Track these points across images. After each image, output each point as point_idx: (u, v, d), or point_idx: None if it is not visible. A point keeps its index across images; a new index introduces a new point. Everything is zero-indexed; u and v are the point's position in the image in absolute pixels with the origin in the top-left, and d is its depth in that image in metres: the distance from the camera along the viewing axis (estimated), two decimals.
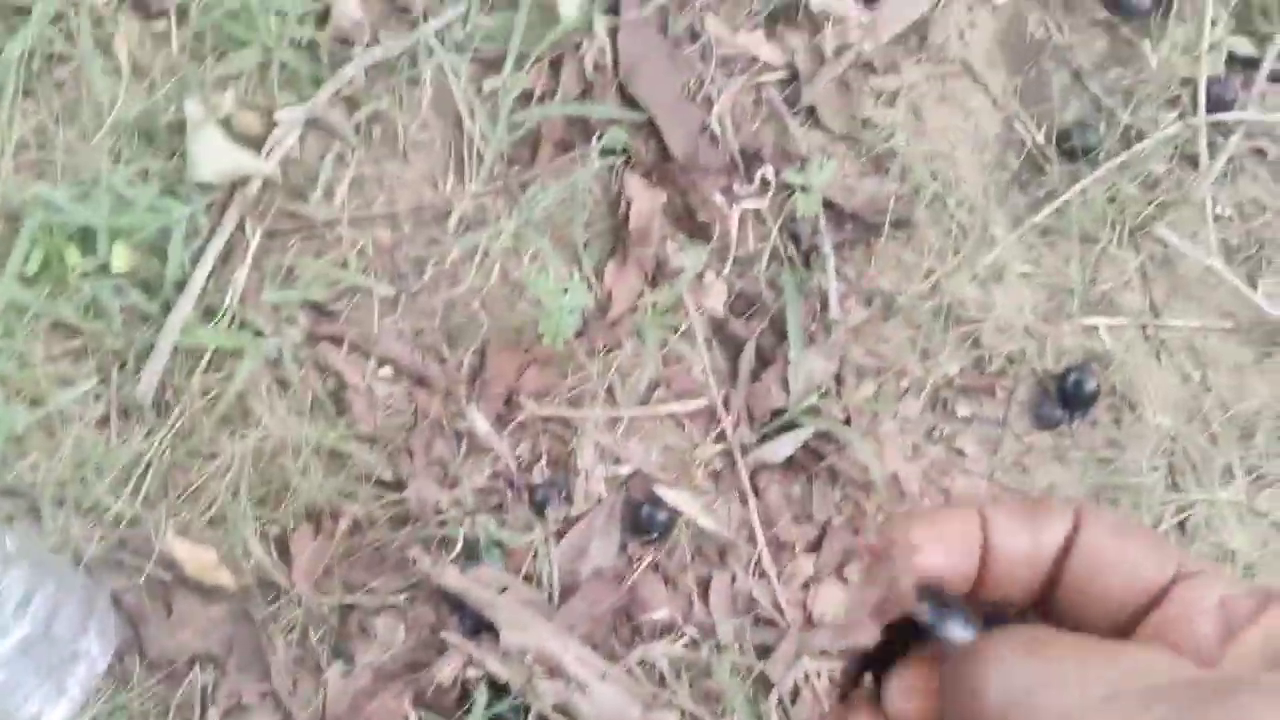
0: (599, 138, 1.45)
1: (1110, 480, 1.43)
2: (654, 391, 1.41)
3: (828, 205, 1.49)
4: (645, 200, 1.44)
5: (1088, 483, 1.43)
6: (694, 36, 1.54)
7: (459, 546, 1.30)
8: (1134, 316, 1.50)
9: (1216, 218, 1.55)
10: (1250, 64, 1.61)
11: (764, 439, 1.39)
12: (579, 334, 1.38)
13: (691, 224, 1.47)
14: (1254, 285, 1.53)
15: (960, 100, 1.58)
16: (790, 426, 1.39)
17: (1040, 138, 1.57)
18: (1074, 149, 1.54)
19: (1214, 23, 1.60)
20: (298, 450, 1.32)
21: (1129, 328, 1.50)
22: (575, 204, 1.42)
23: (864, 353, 1.46)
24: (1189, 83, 1.59)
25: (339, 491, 1.33)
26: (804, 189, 1.46)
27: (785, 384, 1.40)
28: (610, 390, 1.39)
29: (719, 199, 1.45)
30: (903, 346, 1.46)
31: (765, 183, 1.48)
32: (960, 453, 1.44)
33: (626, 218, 1.42)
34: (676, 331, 1.41)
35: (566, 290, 1.33)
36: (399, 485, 1.33)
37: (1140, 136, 1.55)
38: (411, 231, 1.43)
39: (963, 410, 1.45)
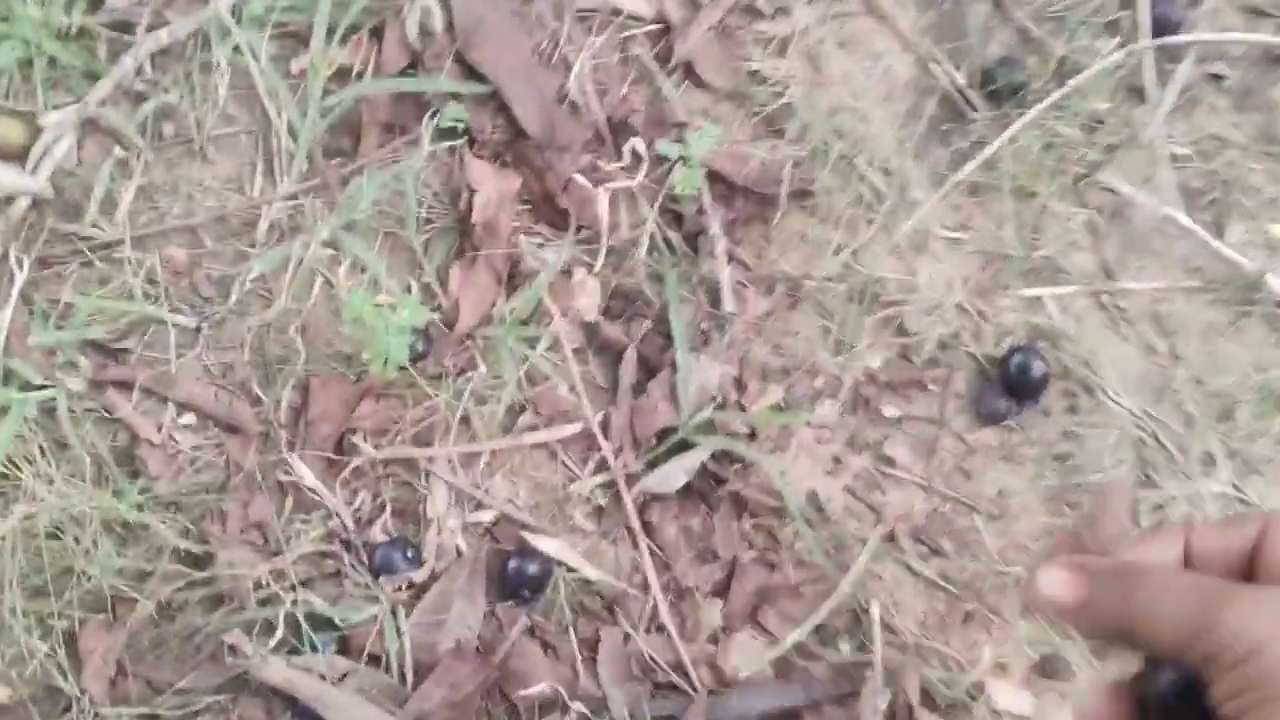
0: (433, 116, 1.21)
1: (1070, 479, 1.21)
2: (518, 418, 1.17)
3: (713, 178, 1.25)
4: (492, 187, 1.19)
5: (1043, 485, 1.20)
6: None
7: (284, 629, 1.06)
8: (1084, 282, 1.28)
9: (1172, 159, 1.33)
10: None
11: (652, 465, 1.16)
12: (421, 356, 1.14)
13: (552, 212, 1.23)
14: (1220, 234, 1.30)
15: (864, 43, 1.35)
16: (683, 447, 1.15)
17: (960, 80, 1.34)
18: (1000, 90, 1.31)
19: None
20: (80, 525, 1.08)
21: (1079, 296, 1.27)
22: (407, 198, 1.17)
23: (768, 350, 1.22)
24: (1128, 4, 1.36)
25: (135, 572, 1.08)
26: (684, 161, 1.23)
27: (675, 396, 1.16)
28: (465, 420, 1.15)
29: (582, 180, 1.21)
30: (814, 339, 1.23)
31: (637, 156, 1.24)
32: (890, 461, 1.21)
33: (470, 210, 1.18)
34: (540, 344, 1.17)
35: (396, 306, 1.08)
36: (208, 559, 1.09)
37: (1076, 70, 1.32)
38: (214, 246, 1.18)
39: (890, 410, 1.22)
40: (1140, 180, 1.30)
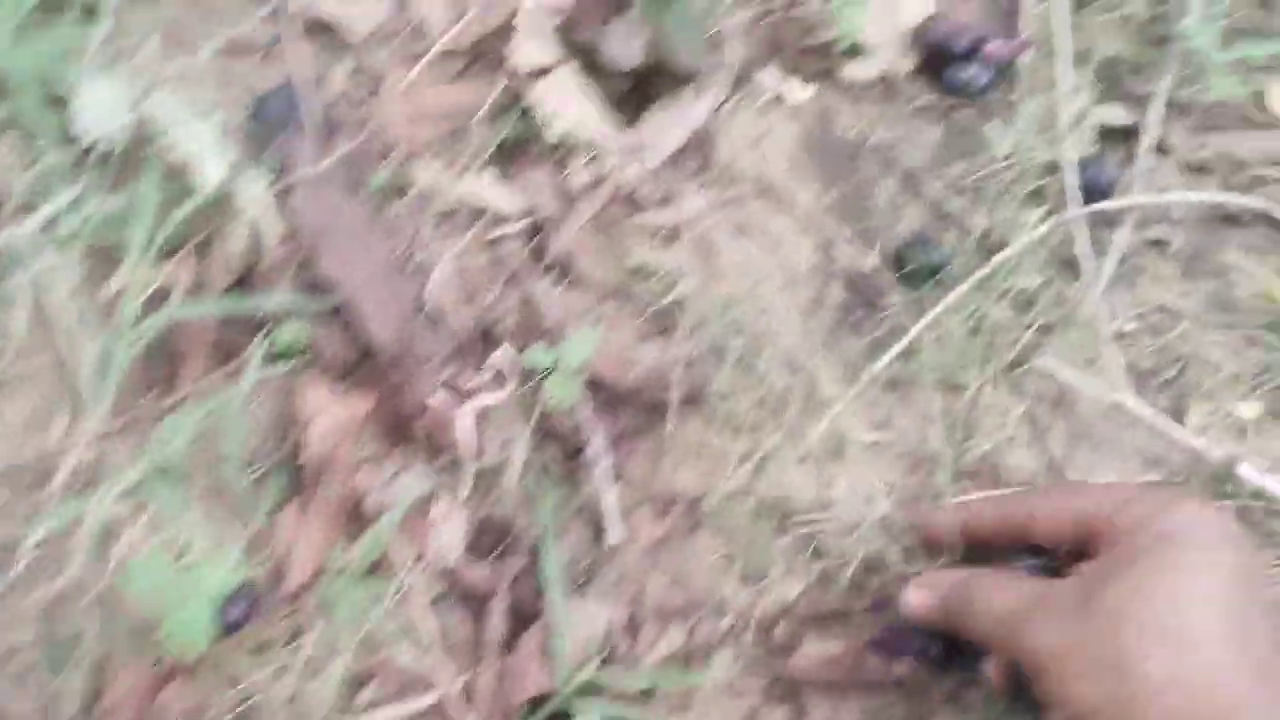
0: (267, 336, 1.05)
1: None
2: (358, 692, 0.97)
3: (595, 387, 1.09)
4: (333, 415, 1.03)
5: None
6: (400, 191, 1.17)
7: None
8: (1027, 481, 1.10)
9: (1117, 336, 1.17)
10: (1127, 134, 1.25)
11: None
12: (240, 623, 0.95)
13: (407, 438, 1.06)
14: (1180, 419, 1.14)
15: (762, 228, 1.21)
16: (558, 718, 0.96)
17: (872, 262, 1.19)
18: (916, 271, 1.17)
19: (1075, 90, 1.25)
20: None
21: None
22: (231, 433, 1.01)
23: (666, 584, 1.04)
24: (1053, 169, 1.23)
25: None
26: (555, 369, 1.07)
27: (549, 653, 0.97)
28: (292, 700, 0.96)
29: (441, 397, 1.05)
30: (717, 569, 1.05)
31: (503, 369, 1.08)
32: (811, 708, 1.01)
33: (305, 443, 1.01)
34: (387, 597, 0.99)
35: (201, 567, 0.91)
36: None
37: (1000, 246, 1.18)
38: (2, 504, 1.01)
39: (812, 648, 1.03)
40: (1082, 363, 1.14)
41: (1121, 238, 1.18)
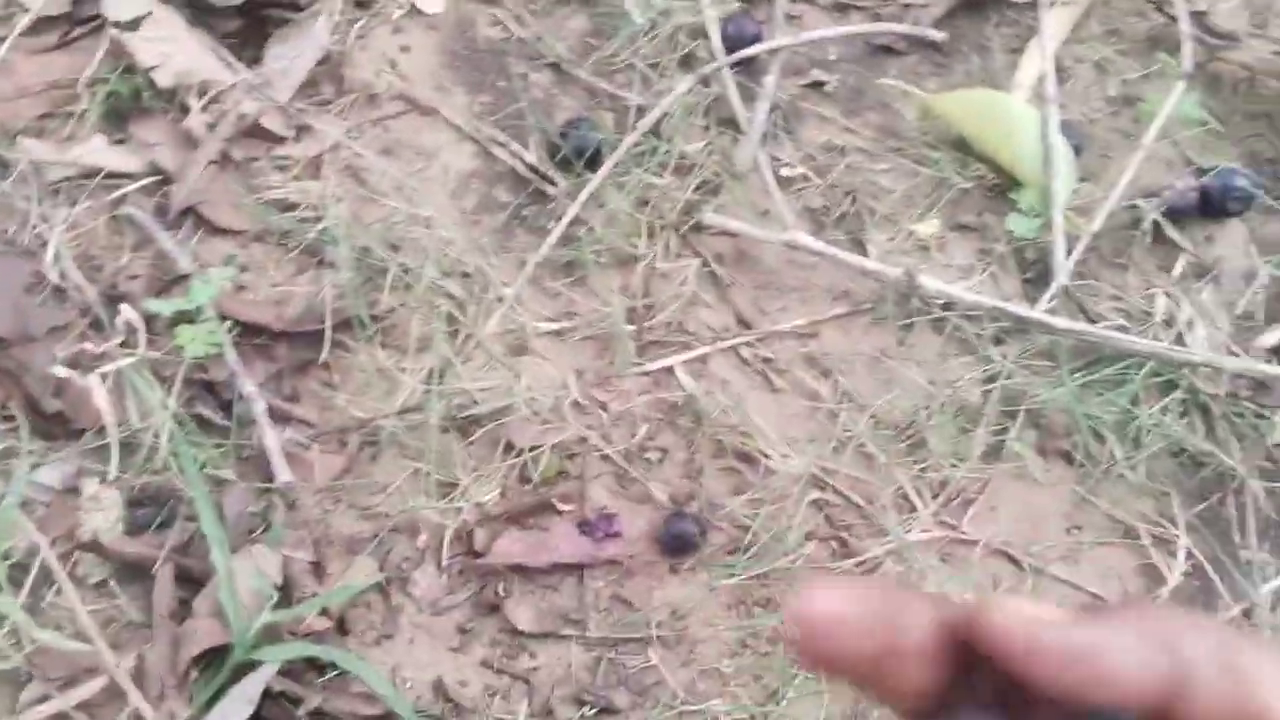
0: None
1: (754, 571, 0.97)
2: (19, 692, 0.88)
3: (248, 330, 1.01)
4: None
5: (720, 589, 0.96)
6: (4, 168, 1.08)
7: None
8: (717, 340, 1.07)
9: (786, 181, 1.15)
10: None
11: (211, 705, 0.87)
12: None
13: (43, 421, 0.97)
14: (862, 250, 1.12)
15: (413, 143, 1.15)
16: (245, 670, 0.87)
17: (531, 156, 1.14)
18: (572, 156, 1.12)
19: None
20: None
21: (715, 356, 1.06)
22: None
23: (354, 518, 0.97)
24: (698, 32, 1.21)
25: None
26: (194, 318, 0.99)
27: (222, 610, 0.89)
28: None
29: (66, 372, 0.96)
30: (407, 490, 0.98)
31: (132, 327, 0.99)
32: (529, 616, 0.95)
33: None
34: (25, 591, 0.89)
35: None
36: None
37: (661, 117, 1.14)
38: None
39: (511, 542, 0.97)
40: (756, 213, 1.11)
41: (771, 83, 1.15)
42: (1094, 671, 0.27)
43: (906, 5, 1.26)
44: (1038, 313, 1.04)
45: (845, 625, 0.28)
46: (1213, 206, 1.11)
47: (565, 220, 1.07)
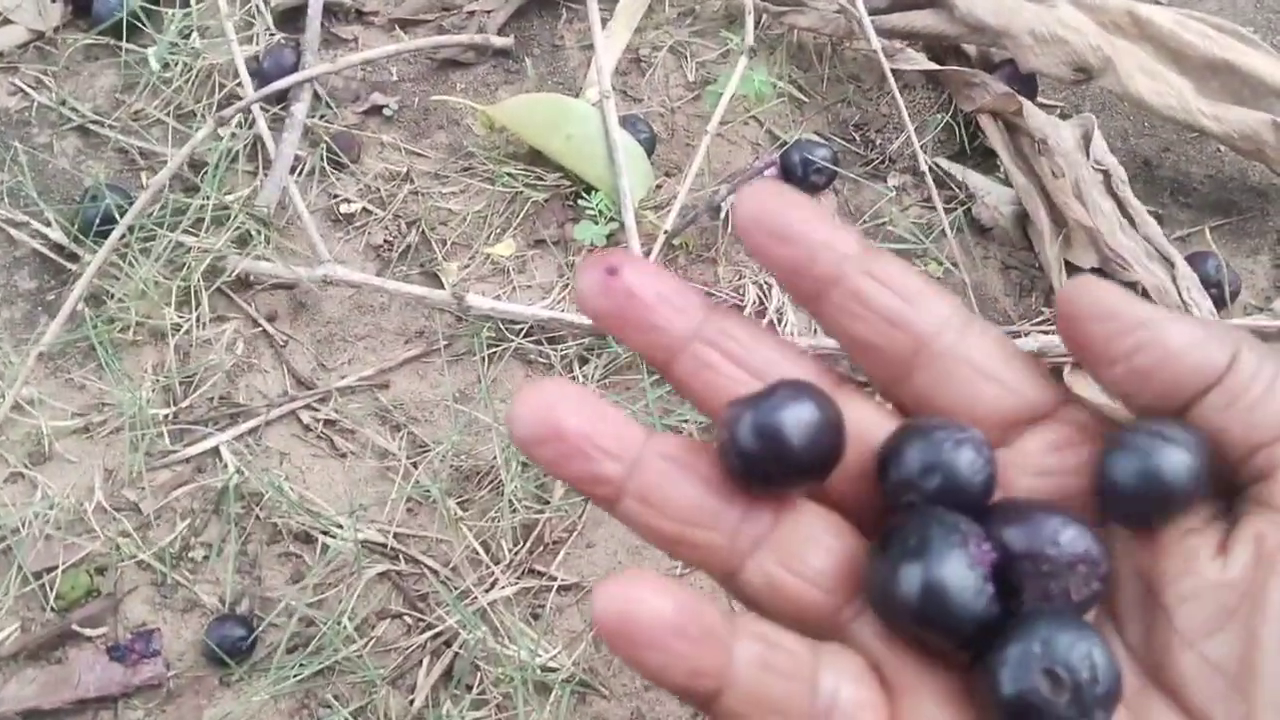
0: None
1: (311, 677, 0.85)
2: None
3: None
4: None
5: (280, 695, 0.85)
6: None
7: None
8: (270, 407, 0.95)
9: (344, 218, 1.05)
10: (300, 13, 1.13)
11: None
12: None
13: None
14: (437, 281, 1.02)
15: None
16: None
17: (56, 233, 1.02)
18: (84, 228, 1.00)
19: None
20: None
21: (268, 427, 0.95)
22: None
23: None
24: (235, 72, 1.09)
25: None
26: None
27: None
28: None
29: None
30: None
31: None
32: None
33: None
34: None
35: None
36: None
37: (200, 167, 1.03)
38: None
39: (19, 688, 0.84)
40: (300, 259, 1.01)
41: (300, 112, 1.05)
42: (1150, 339, 0.29)
43: (470, 13, 1.17)
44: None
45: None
46: (794, 182, 1.05)
47: (70, 302, 0.94)
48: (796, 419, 0.29)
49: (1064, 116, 1.12)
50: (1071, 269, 1.02)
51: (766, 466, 0.29)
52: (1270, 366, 0.29)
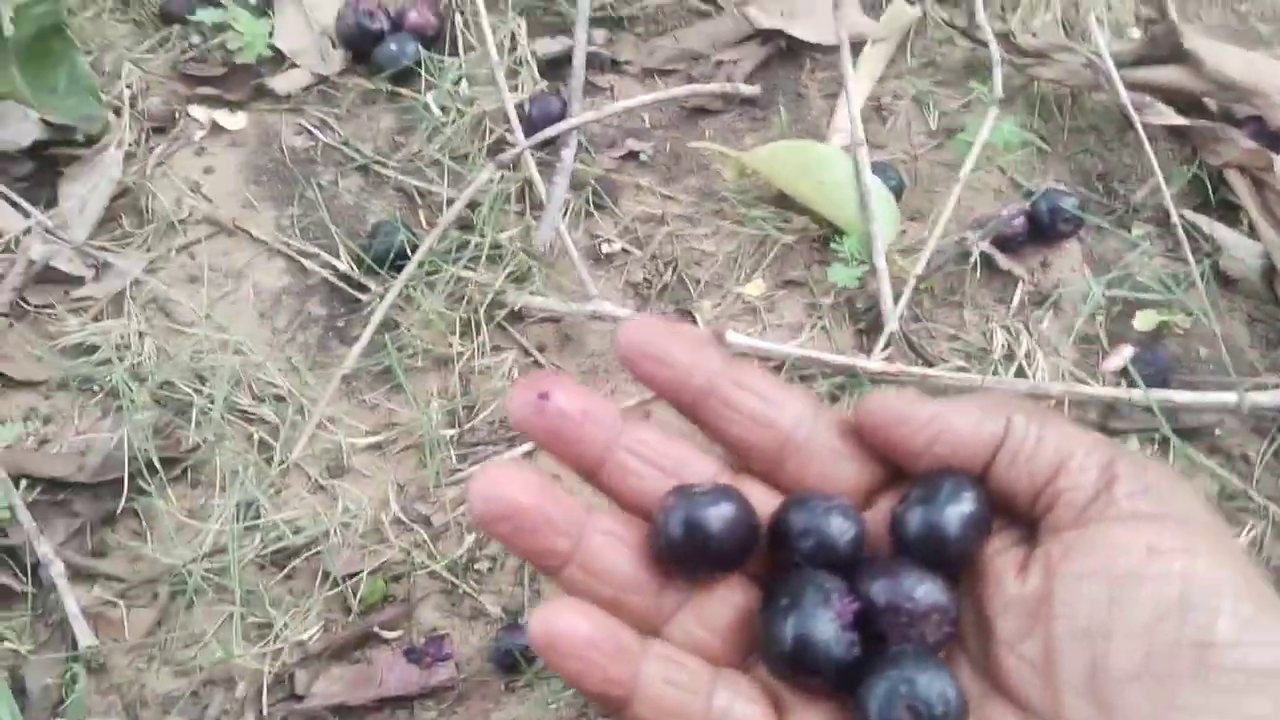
0: None
1: None
2: None
3: (50, 486, 0.97)
4: None
5: None
6: None
7: None
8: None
9: (605, 258, 1.11)
10: (562, 62, 1.21)
11: None
12: None
13: None
14: (691, 318, 1.08)
15: (221, 266, 1.12)
16: None
17: (344, 264, 1.11)
18: (381, 260, 1.09)
19: (508, 35, 1.20)
20: None
21: (541, 451, 1.01)
22: None
23: (167, 673, 0.92)
24: (505, 117, 1.18)
25: None
26: None
27: None
28: None
29: None
30: (223, 636, 0.93)
31: None
32: None
33: None
34: None
35: None
36: None
37: (472, 206, 1.11)
38: None
39: (330, 684, 0.92)
40: (569, 294, 1.08)
41: (568, 157, 1.12)
42: (940, 431, 0.36)
43: (719, 63, 1.23)
44: (869, 361, 1.00)
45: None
46: (1042, 230, 1.08)
47: (369, 330, 1.03)
48: (718, 517, 0.35)
49: None
50: None
51: (691, 561, 0.35)
52: (1035, 422, 0.36)
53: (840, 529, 0.36)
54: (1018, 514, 0.37)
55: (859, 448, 0.38)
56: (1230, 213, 1.12)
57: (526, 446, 1.01)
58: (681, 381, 0.37)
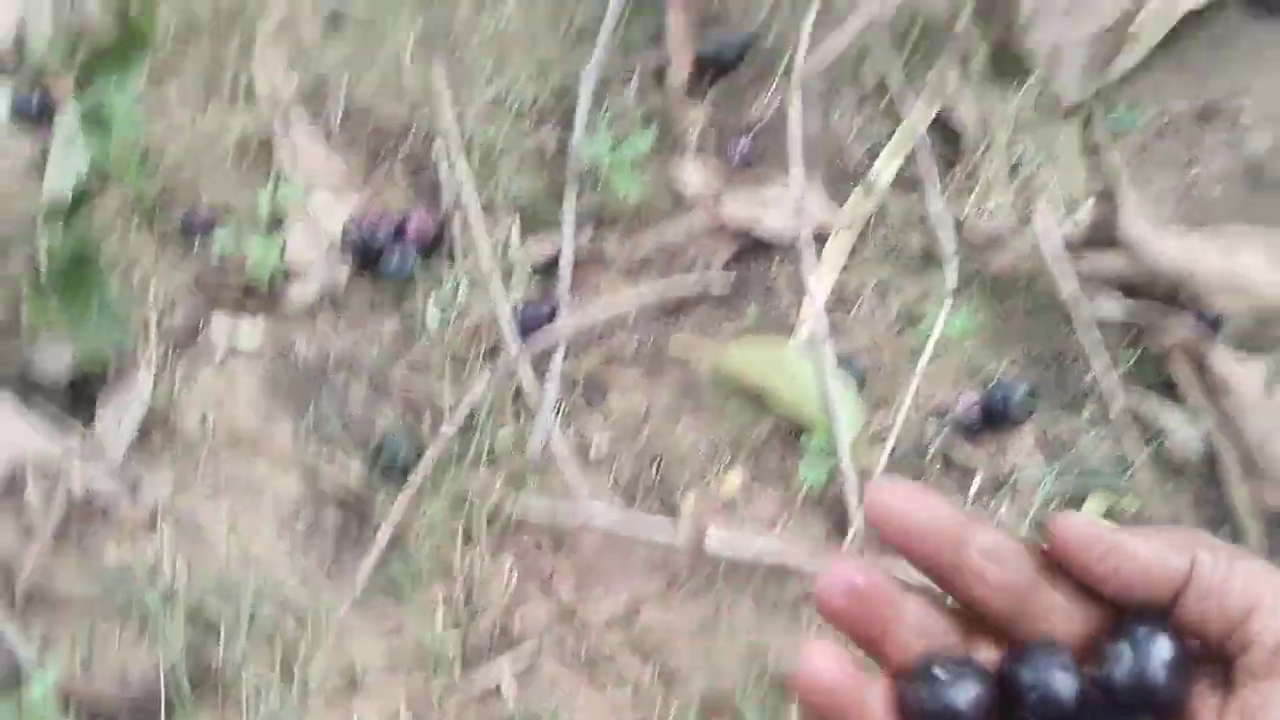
0: None
1: None
2: None
3: (94, 710, 1.07)
4: None
5: None
6: None
7: None
8: (540, 635, 1.11)
9: (595, 459, 1.20)
10: (552, 265, 1.31)
11: None
12: None
13: None
14: (674, 512, 1.17)
15: (243, 478, 1.22)
16: None
17: (356, 473, 1.21)
18: (388, 470, 1.19)
19: (503, 239, 1.30)
20: None
21: (542, 655, 1.11)
22: None
23: None
24: (491, 327, 1.27)
25: None
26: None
27: None
28: None
29: None
30: None
31: None
32: None
33: None
34: None
35: None
36: None
37: (473, 414, 1.21)
38: None
39: None
40: (561, 495, 1.17)
41: (556, 366, 1.22)
42: (1128, 560, 0.38)
43: (694, 256, 1.32)
44: (826, 560, 1.08)
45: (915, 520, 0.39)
46: (996, 419, 1.16)
47: (378, 547, 1.13)
48: (966, 701, 0.38)
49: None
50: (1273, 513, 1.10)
51: None
52: (1223, 557, 0.38)
53: (1064, 684, 0.38)
54: (1209, 651, 0.38)
55: (1076, 593, 0.40)
56: (1177, 390, 1.19)
57: (525, 648, 1.10)
58: (931, 557, 0.40)
